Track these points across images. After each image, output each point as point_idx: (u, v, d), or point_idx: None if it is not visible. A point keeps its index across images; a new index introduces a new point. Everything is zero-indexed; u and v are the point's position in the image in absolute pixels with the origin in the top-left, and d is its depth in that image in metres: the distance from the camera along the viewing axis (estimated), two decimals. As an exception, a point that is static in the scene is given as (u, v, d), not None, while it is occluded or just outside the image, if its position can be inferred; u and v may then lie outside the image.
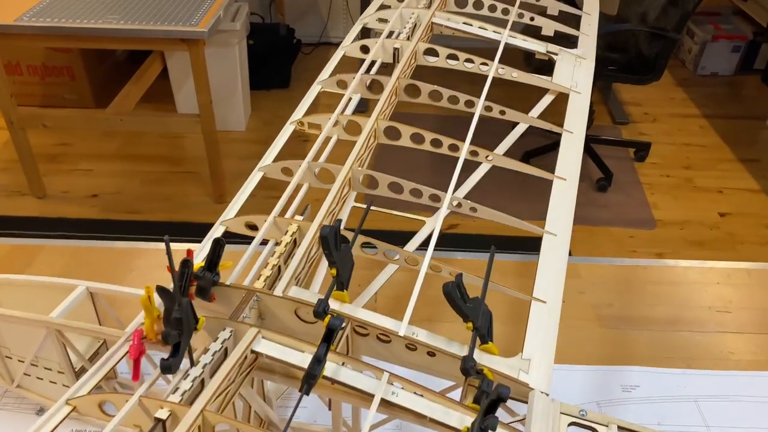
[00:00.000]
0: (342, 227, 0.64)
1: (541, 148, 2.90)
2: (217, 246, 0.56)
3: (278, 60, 3.49)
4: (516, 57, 1.36)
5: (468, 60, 1.13)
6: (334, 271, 0.61)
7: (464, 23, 1.23)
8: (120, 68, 3.28)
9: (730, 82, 3.66)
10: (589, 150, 2.84)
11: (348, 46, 1.18)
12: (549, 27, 1.30)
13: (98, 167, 2.82)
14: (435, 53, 1.16)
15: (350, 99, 1.05)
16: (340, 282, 0.61)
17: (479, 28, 1.22)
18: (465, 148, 0.94)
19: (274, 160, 0.87)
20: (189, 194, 2.63)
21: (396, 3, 1.39)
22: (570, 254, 0.87)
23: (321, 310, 0.53)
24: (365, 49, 1.18)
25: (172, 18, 2.19)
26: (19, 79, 3.16)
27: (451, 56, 1.16)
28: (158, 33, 2.13)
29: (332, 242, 0.60)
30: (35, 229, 2.43)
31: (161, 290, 0.49)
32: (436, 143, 0.96)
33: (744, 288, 1.14)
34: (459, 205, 0.86)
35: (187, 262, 0.53)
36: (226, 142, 2.75)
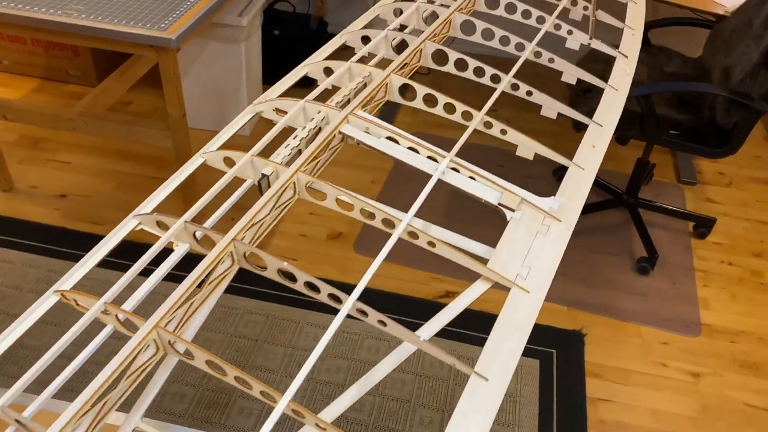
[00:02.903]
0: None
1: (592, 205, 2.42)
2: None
3: (305, 55, 3.11)
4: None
5: (366, 211, 0.76)
6: None
7: (389, 137, 0.83)
8: (130, 47, 3.00)
9: (837, 144, 3.02)
10: (635, 217, 2.35)
11: (210, 154, 0.81)
12: (526, 147, 0.89)
13: (78, 160, 2.56)
14: (322, 189, 0.79)
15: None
16: None
17: (409, 149, 0.82)
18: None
19: None
20: (162, 209, 2.34)
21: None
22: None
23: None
24: (230, 163, 0.81)
25: (141, 18, 1.85)
26: (24, 48, 2.93)
27: (340, 201, 0.78)
28: (119, 34, 1.80)
29: None
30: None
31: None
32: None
33: None
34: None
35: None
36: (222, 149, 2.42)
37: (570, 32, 1.12)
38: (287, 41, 3.05)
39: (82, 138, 2.64)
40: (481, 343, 1.97)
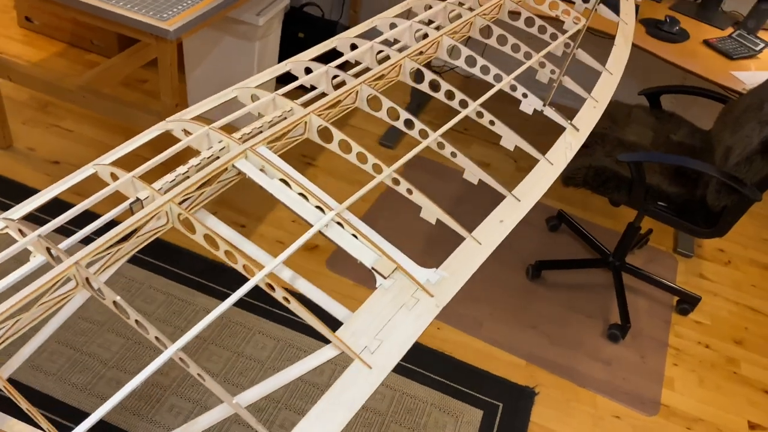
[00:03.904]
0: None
1: (558, 261, 2.38)
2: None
3: (325, 61, 3.12)
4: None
5: (230, 253, 0.75)
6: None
7: (282, 179, 0.81)
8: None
9: None
10: (617, 281, 2.28)
11: (100, 166, 0.81)
12: (430, 211, 0.86)
13: (81, 129, 2.60)
14: (193, 223, 0.78)
15: None
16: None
17: (299, 194, 0.80)
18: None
19: None
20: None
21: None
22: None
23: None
24: (117, 179, 0.81)
25: (148, 5, 1.87)
26: (54, 11, 2.99)
27: (208, 238, 0.75)
28: (120, 17, 1.82)
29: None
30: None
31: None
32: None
33: None
34: None
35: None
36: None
37: (525, 95, 1.09)
38: (310, 45, 3.06)
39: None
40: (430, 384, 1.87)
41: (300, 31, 3.05)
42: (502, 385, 1.98)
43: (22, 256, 0.74)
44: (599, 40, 2.12)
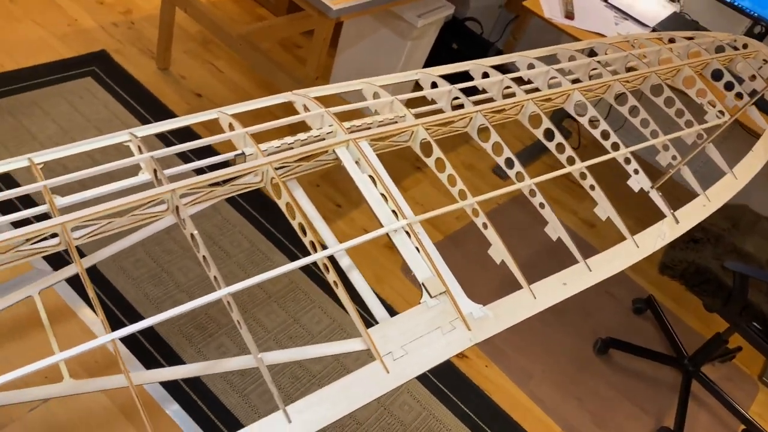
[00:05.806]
0: None
1: (630, 345, 2.29)
2: None
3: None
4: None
5: (302, 225, 0.80)
6: None
7: (371, 176, 0.86)
8: None
9: None
10: (685, 386, 2.16)
11: (223, 115, 0.89)
12: (498, 251, 0.88)
13: (230, 73, 2.80)
14: (281, 189, 0.84)
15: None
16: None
17: (381, 194, 0.85)
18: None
19: None
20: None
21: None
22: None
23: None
24: (233, 129, 0.89)
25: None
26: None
27: (288, 207, 0.80)
28: (293, -14, 1.95)
29: None
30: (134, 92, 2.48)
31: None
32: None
33: None
34: None
35: None
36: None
37: (636, 171, 1.07)
38: (460, 58, 3.10)
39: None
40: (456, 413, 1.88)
41: (455, 42, 3.10)
42: None
43: (135, 170, 0.83)
44: (747, 136, 2.01)
